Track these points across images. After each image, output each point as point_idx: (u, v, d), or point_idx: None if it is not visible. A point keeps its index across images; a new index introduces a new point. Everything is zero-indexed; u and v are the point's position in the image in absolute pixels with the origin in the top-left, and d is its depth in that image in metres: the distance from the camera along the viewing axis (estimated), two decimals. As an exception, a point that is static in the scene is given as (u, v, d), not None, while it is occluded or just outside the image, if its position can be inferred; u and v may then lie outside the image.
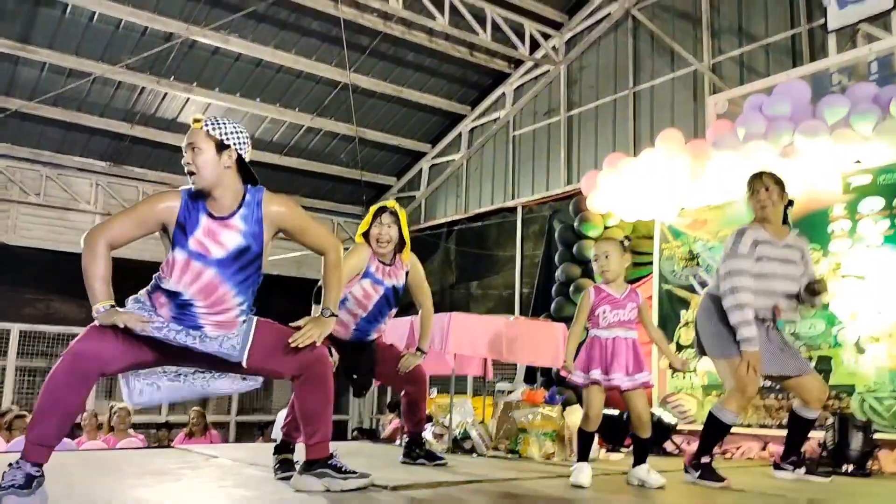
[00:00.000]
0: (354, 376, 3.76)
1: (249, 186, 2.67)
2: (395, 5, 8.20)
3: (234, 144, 2.59)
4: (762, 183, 3.70)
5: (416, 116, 10.53)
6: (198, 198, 2.59)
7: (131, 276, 3.02)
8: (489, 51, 9.43)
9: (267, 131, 10.00)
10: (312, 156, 10.62)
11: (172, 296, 2.56)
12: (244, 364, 2.63)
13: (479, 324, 5.20)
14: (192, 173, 2.55)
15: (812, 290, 3.63)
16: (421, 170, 11.30)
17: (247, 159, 2.66)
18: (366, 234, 3.78)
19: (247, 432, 10.59)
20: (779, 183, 3.72)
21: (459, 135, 10.75)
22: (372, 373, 3.84)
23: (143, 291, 2.64)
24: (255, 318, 2.72)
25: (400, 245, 3.82)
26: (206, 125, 2.58)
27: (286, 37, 8.74)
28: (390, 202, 3.91)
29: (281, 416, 8.58)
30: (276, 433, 8.27)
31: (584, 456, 3.44)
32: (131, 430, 7.64)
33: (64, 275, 9.95)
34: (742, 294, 3.51)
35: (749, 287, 3.52)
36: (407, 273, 3.88)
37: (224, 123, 2.61)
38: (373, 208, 3.86)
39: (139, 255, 4.87)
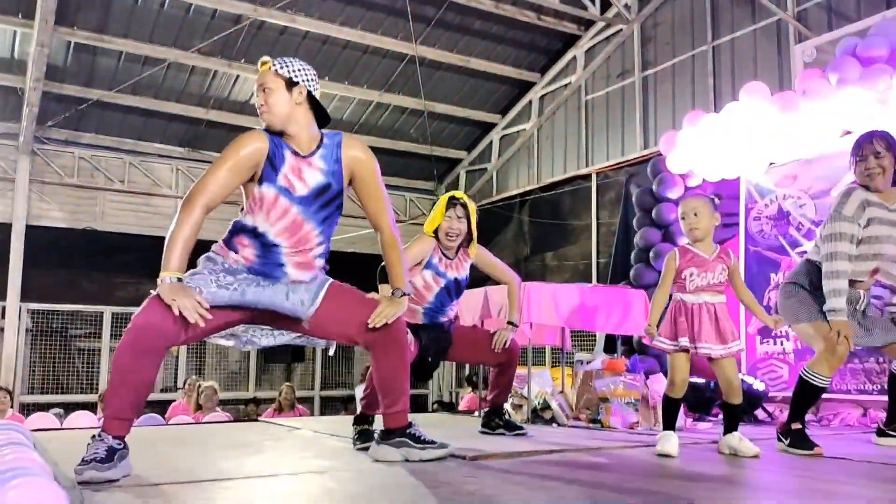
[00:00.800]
0: (429, 359, 3.72)
1: (325, 131, 2.71)
2: (459, -28, 8.02)
3: (304, 81, 2.62)
4: (872, 147, 3.38)
5: (485, 86, 10.35)
6: (278, 138, 2.61)
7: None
8: (558, 13, 9.14)
9: (336, 109, 10.03)
10: (382, 132, 10.62)
11: (258, 236, 2.57)
12: (306, 322, 2.62)
13: (556, 293, 5.06)
14: (263, 112, 2.59)
15: None
16: (491, 141, 11.13)
17: (317, 96, 2.68)
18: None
19: (331, 407, 10.81)
20: (892, 147, 3.40)
21: (530, 103, 10.52)
22: (443, 355, 3.80)
23: (217, 245, 2.64)
24: (329, 281, 2.70)
25: (467, 238, 3.76)
26: (275, 65, 2.61)
27: (352, 12, 8.71)
28: (459, 193, 3.86)
29: (360, 391, 8.74)
30: (358, 407, 8.43)
31: (669, 424, 3.29)
32: (219, 409, 7.89)
33: (151, 258, 10.31)
34: (839, 262, 3.26)
35: (848, 253, 3.28)
36: (472, 265, 3.86)
37: (291, 61, 2.64)
38: (443, 199, 3.79)
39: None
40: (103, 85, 8.75)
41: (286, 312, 2.61)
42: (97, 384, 9.40)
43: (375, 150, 9.77)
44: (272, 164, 2.54)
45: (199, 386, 7.83)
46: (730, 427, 3.26)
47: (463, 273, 3.80)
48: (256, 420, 5.99)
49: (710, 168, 6.05)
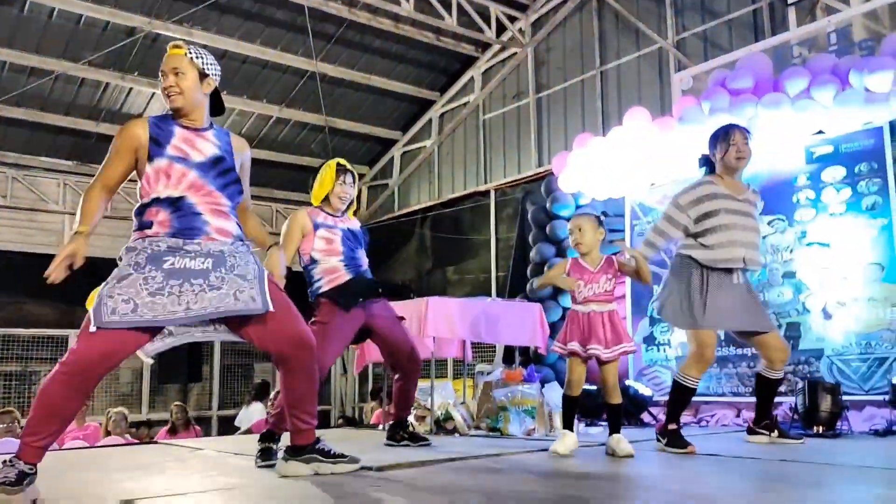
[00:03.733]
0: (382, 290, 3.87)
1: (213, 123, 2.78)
2: (360, -8, 8.16)
3: (213, 75, 2.68)
4: (742, 133, 3.76)
5: (386, 104, 10.52)
6: (168, 118, 2.65)
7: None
8: (456, 35, 9.44)
9: (235, 123, 9.93)
10: (282, 147, 10.58)
11: (167, 203, 2.53)
12: (254, 322, 2.56)
13: (457, 307, 5.25)
14: (175, 94, 2.60)
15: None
16: (393, 157, 11.30)
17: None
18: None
19: (229, 427, 10.58)
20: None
21: (430, 121, 10.77)
22: (372, 294, 3.80)
23: (133, 236, 2.56)
24: (265, 271, 2.67)
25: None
26: (190, 52, 2.64)
27: (251, 27, 8.67)
28: (343, 161, 3.99)
29: (245, 410, 8.61)
30: (242, 423, 8.29)
31: (567, 424, 3.54)
32: (128, 436, 7.58)
33: (35, 276, 9.83)
34: (664, 235, 3.76)
35: (672, 235, 3.74)
36: (359, 227, 4.01)
37: (205, 53, 2.70)
38: (331, 167, 3.92)
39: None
40: (-16, 96, 8.33)
41: (238, 314, 2.52)
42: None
43: (276, 164, 9.82)
44: (156, 142, 2.57)
45: (108, 412, 7.51)
46: (613, 428, 3.53)
47: (354, 225, 3.92)
48: (153, 442, 5.84)
49: (598, 188, 6.43)
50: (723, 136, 3.80)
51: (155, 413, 10.14)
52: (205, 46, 8.73)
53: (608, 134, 6.49)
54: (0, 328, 9.19)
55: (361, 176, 11.70)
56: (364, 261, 3.89)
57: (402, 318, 4.09)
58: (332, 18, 8.71)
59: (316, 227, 3.79)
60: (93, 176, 2.61)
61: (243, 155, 2.80)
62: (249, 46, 8.80)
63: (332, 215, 3.87)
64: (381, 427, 5.75)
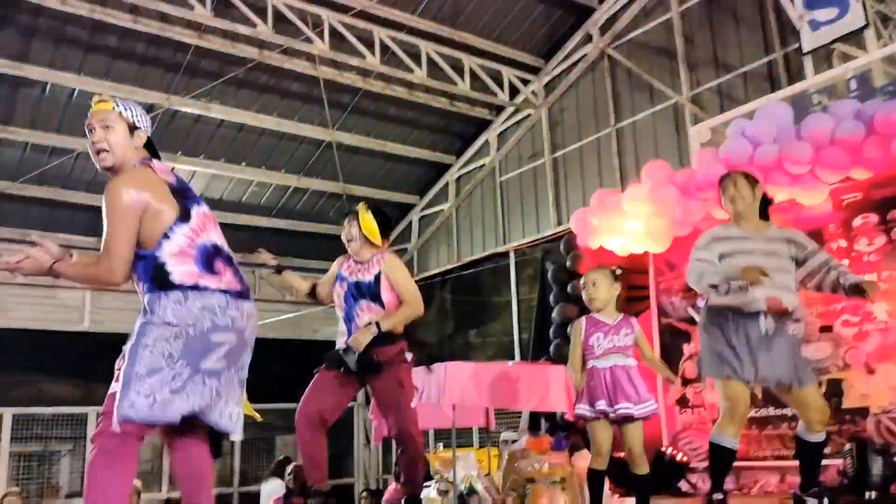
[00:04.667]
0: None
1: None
2: (373, 61, 8.26)
3: (144, 127, 2.55)
4: (731, 180, 3.56)
5: (402, 169, 10.55)
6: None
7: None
8: (469, 99, 9.48)
9: (254, 195, 9.99)
10: (302, 216, 10.59)
11: (219, 252, 2.49)
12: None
13: (478, 371, 5.06)
14: (102, 150, 2.47)
15: (858, 291, 3.38)
16: (411, 222, 11.25)
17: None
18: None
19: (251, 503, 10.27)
20: (748, 178, 3.57)
21: (447, 184, 10.75)
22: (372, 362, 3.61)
23: (166, 303, 2.34)
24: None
25: (372, 241, 3.79)
26: (118, 105, 2.52)
27: (267, 100, 8.79)
28: (360, 205, 3.92)
29: (264, 486, 8.34)
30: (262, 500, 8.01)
31: (595, 499, 3.29)
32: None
33: (53, 354, 9.88)
34: (700, 275, 3.34)
35: (708, 269, 3.35)
36: (381, 272, 3.75)
37: (132, 106, 2.57)
38: None
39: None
40: (5, 176, 8.43)
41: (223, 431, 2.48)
42: (-7, 494, 8.66)
43: (295, 233, 9.70)
44: (183, 191, 2.56)
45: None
46: (641, 499, 3.27)
47: (367, 276, 3.73)
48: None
49: (618, 244, 6.27)
50: (718, 185, 3.65)
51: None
52: (222, 121, 8.90)
53: (627, 189, 6.36)
54: (19, 408, 9.08)
55: (380, 242, 11.64)
56: (358, 316, 3.70)
57: (429, 370, 3.97)
58: (346, 88, 8.81)
59: (338, 277, 3.82)
60: None
61: None
62: (267, 119, 8.91)
63: (356, 262, 3.80)
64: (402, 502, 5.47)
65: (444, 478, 4.95)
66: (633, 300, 6.39)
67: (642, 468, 3.28)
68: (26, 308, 9.37)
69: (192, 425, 2.41)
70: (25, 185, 8.50)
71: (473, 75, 8.99)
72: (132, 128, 2.51)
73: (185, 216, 2.40)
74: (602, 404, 3.28)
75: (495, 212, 10.05)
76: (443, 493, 4.78)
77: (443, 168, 10.71)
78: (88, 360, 9.66)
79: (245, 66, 7.83)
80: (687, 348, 5.89)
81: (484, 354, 9.55)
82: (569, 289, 6.79)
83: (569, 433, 5.59)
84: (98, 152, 2.48)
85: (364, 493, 9.98)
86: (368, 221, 3.80)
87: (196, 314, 2.31)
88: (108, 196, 2.35)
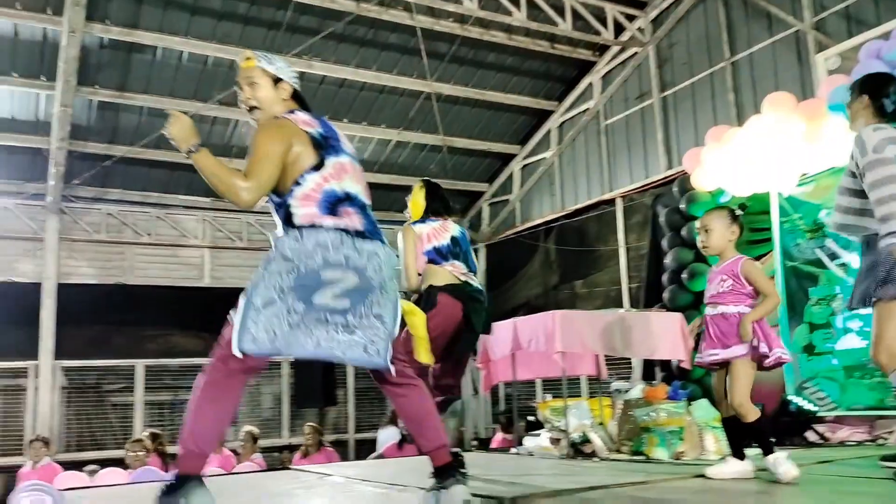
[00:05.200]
0: None
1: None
2: (471, 6, 8.05)
3: (288, 78, 2.64)
4: None
5: (503, 118, 10.34)
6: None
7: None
8: (571, 40, 9.13)
9: (356, 150, 10.05)
10: (402, 170, 10.61)
11: (350, 199, 2.53)
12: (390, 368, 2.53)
13: (589, 320, 4.93)
14: (253, 108, 2.60)
15: None
16: (512, 172, 11.08)
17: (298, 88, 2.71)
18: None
19: (366, 450, 10.63)
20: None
21: (549, 131, 10.47)
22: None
23: (292, 235, 2.41)
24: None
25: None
26: (260, 61, 2.62)
27: (366, 54, 8.78)
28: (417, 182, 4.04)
29: (381, 433, 8.57)
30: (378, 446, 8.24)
31: (734, 449, 3.17)
32: (256, 455, 7.75)
33: (180, 308, 10.46)
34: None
35: None
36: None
37: (275, 59, 2.67)
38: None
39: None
40: (127, 141, 8.86)
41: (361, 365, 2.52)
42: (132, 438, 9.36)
43: (397, 187, 9.76)
44: (326, 138, 2.63)
45: (238, 431, 7.75)
46: (764, 449, 3.05)
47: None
48: (287, 468, 5.86)
49: (738, 183, 5.90)
50: (878, 84, 3.12)
51: (296, 437, 10.35)
52: (324, 77, 8.95)
53: (746, 123, 5.94)
54: (151, 359, 9.71)
55: (481, 193, 11.56)
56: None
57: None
58: (444, 37, 8.66)
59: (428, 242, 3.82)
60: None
61: None
62: (366, 73, 8.91)
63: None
64: (513, 451, 5.46)
65: (555, 427, 4.88)
66: (754, 242, 6.05)
67: (745, 416, 3.05)
68: (154, 266, 9.93)
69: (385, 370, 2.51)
70: (144, 149, 8.90)
71: (575, 14, 8.63)
72: (276, 80, 2.61)
73: (318, 165, 2.48)
74: (704, 352, 3.20)
75: (600, 158, 9.71)
76: (555, 441, 4.72)
77: (544, 115, 10.43)
78: (211, 313, 10.22)
79: (343, 19, 7.82)
80: (813, 293, 5.51)
81: (592, 304, 9.36)
82: (683, 233, 6.48)
83: (685, 382, 5.40)
84: (249, 109, 2.61)
85: (475, 443, 10.12)
86: (415, 197, 3.93)
87: (309, 250, 2.36)
88: (253, 141, 2.48)
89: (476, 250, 11.56)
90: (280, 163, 2.43)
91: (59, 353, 9.13)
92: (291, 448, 10.08)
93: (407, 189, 11.45)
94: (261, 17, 8.06)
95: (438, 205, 3.88)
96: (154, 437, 7.41)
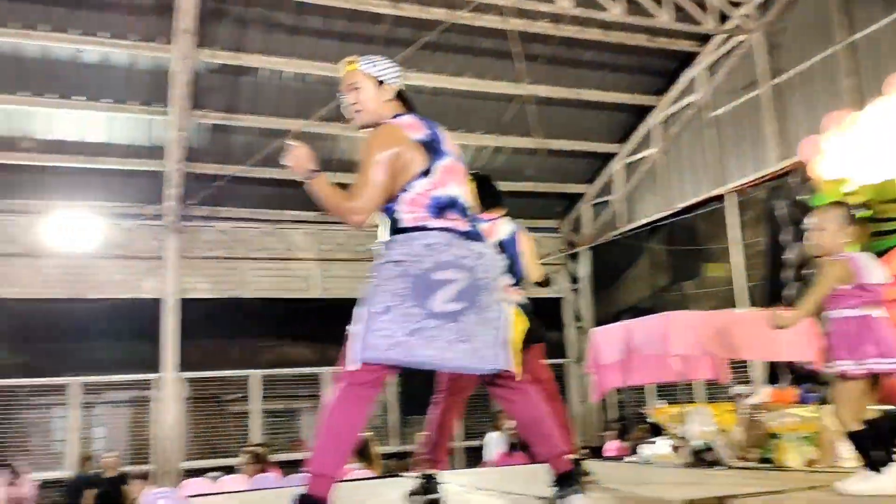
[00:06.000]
0: None
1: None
2: (566, 4, 7.92)
3: (390, 80, 2.60)
4: None
5: (601, 116, 10.12)
6: None
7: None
8: (671, 32, 8.82)
9: (455, 157, 10.09)
10: (500, 175, 10.43)
11: (455, 204, 2.50)
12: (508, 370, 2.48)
13: (706, 320, 4.70)
14: (355, 111, 2.58)
15: None
16: (613, 171, 10.80)
17: (402, 89, 2.67)
18: None
19: (474, 457, 10.59)
20: None
21: (650, 128, 10.16)
22: None
23: (399, 240, 2.41)
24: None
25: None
26: (362, 65, 2.59)
27: (461, 61, 8.80)
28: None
29: (489, 440, 8.46)
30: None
31: (878, 459, 2.88)
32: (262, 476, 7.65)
33: (292, 320, 10.80)
34: None
35: None
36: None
37: (377, 61, 2.63)
38: None
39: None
40: (237, 160, 9.22)
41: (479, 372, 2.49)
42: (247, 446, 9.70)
43: (497, 192, 9.44)
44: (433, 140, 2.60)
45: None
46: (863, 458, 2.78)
47: None
48: (399, 475, 5.88)
49: (864, 171, 5.47)
50: None
51: (405, 445, 10.44)
52: (419, 87, 9.06)
53: (871, 106, 5.51)
54: (265, 369, 10.05)
55: (581, 195, 11.34)
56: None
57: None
58: (538, 38, 8.56)
59: None
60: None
61: None
62: (461, 80, 8.93)
63: None
64: (627, 459, 5.28)
65: (674, 434, 4.68)
66: (880, 234, 5.59)
67: (846, 426, 2.81)
68: (266, 280, 10.29)
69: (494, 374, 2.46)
70: (253, 168, 9.24)
71: (675, 5, 8.33)
72: (379, 82, 2.59)
73: (426, 171, 2.45)
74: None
75: (707, 152, 9.32)
76: (676, 448, 4.52)
77: (644, 111, 10.12)
78: (321, 324, 10.51)
79: (437, 29, 7.86)
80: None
81: (703, 306, 8.98)
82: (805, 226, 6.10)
83: (815, 385, 5.05)
84: (353, 114, 2.61)
85: (586, 451, 9.89)
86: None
87: (418, 252, 2.35)
88: (362, 151, 2.48)
89: (576, 254, 11.34)
90: (389, 174, 2.41)
91: (181, 365, 9.59)
92: (400, 456, 10.18)
93: (507, 194, 11.32)
94: (357, 33, 8.23)
95: (490, 199, 3.74)
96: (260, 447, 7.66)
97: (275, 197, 10.14)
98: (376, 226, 2.56)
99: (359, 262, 10.41)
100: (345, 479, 6.13)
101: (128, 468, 8.48)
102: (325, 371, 10.26)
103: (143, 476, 8.38)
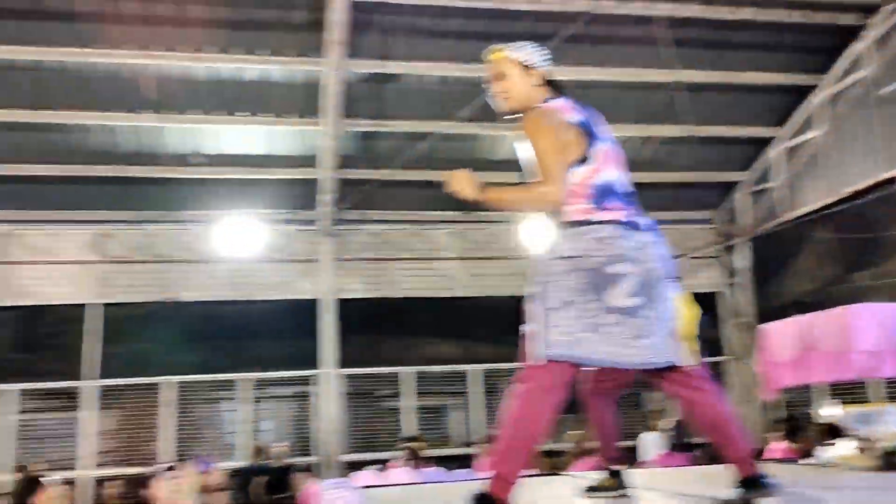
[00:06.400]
0: None
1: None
2: (717, -16, 7.55)
3: (537, 64, 2.58)
4: None
5: (756, 99, 9.55)
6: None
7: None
8: (834, 5, 8.17)
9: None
10: (650, 167, 10.20)
11: (614, 189, 2.46)
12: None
13: (893, 313, 4.30)
14: (503, 99, 2.57)
15: None
16: (772, 157, 10.16)
17: (550, 74, 2.63)
18: None
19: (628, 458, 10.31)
20: None
21: (812, 109, 9.46)
22: None
23: (569, 235, 2.37)
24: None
25: None
26: (508, 50, 2.58)
27: (605, 51, 8.60)
28: None
29: (645, 439, 8.18)
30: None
31: None
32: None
33: (438, 318, 11.05)
34: None
35: None
36: None
37: (523, 45, 2.61)
38: None
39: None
40: (385, 165, 9.50)
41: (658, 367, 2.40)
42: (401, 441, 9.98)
43: (645, 185, 9.35)
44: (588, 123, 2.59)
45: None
46: None
47: None
48: (558, 474, 5.83)
49: None
50: None
51: (556, 444, 10.34)
52: (565, 80, 8.93)
53: None
54: (416, 366, 10.30)
55: (736, 183, 10.76)
56: None
57: None
58: (686, 22, 8.20)
59: None
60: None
61: None
62: (607, 70, 8.73)
63: None
64: (802, 462, 4.93)
65: (858, 435, 4.32)
66: None
67: None
68: (412, 280, 10.55)
69: (672, 370, 2.38)
70: (400, 171, 9.49)
71: (836, -25, 7.72)
72: (526, 68, 2.57)
73: (583, 158, 2.39)
74: None
75: (877, 133, 8.55)
76: (862, 450, 4.17)
77: (804, 91, 9.44)
78: (466, 323, 10.70)
79: (580, 20, 7.72)
80: None
81: (880, 299, 8.23)
82: None
83: None
84: (501, 102, 2.60)
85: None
86: None
87: (588, 247, 2.30)
88: (530, 130, 2.42)
89: (732, 246, 10.78)
90: (562, 145, 2.36)
91: (338, 362, 10.03)
92: (552, 454, 10.08)
93: (656, 186, 11.02)
94: (498, 32, 8.22)
95: None
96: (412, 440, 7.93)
97: (419, 198, 10.36)
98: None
99: (503, 260, 10.43)
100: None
101: (292, 460, 8.98)
102: (469, 368, 10.40)
103: (307, 468, 8.87)
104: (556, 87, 2.64)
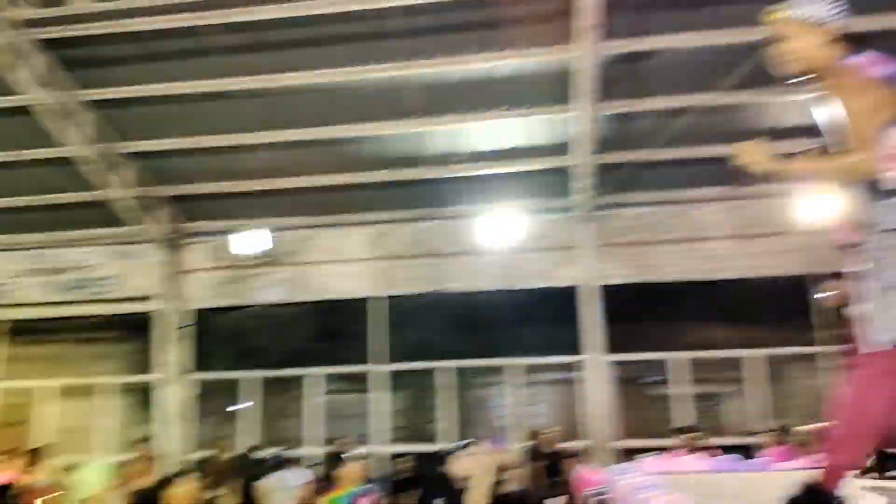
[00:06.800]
0: None
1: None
2: None
3: (824, 18, 2.29)
4: None
5: None
6: None
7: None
8: None
9: None
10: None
11: None
12: None
13: None
14: (788, 61, 2.36)
15: None
16: None
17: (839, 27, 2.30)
18: None
19: None
20: None
21: None
22: None
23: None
24: None
25: None
26: (786, 10, 2.36)
27: None
28: None
29: None
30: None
31: None
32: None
33: (705, 301, 10.39)
34: None
35: None
36: None
37: (805, 3, 2.33)
38: None
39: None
40: (643, 145, 9.19)
41: None
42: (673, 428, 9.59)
43: None
44: None
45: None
46: None
47: None
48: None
49: None
50: None
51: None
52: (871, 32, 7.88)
53: None
54: (687, 352, 9.88)
55: None
56: None
57: None
58: None
59: None
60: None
61: None
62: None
63: None
64: None
65: None
66: None
67: None
68: (675, 263, 10.09)
69: None
70: (661, 150, 9.12)
71: None
72: (812, 26, 2.35)
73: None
74: None
75: None
76: None
77: None
78: (739, 306, 9.97)
79: None
80: None
81: None
82: None
83: None
84: (788, 65, 2.42)
85: None
86: None
87: None
88: (833, 93, 2.28)
89: None
90: (874, 109, 2.12)
91: (605, 348, 9.94)
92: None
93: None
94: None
95: None
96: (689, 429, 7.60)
97: (680, 176, 9.89)
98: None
99: (781, 235, 9.51)
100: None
101: (564, 445, 9.08)
102: (744, 354, 9.72)
103: (575, 454, 8.92)
104: (855, 41, 2.33)
